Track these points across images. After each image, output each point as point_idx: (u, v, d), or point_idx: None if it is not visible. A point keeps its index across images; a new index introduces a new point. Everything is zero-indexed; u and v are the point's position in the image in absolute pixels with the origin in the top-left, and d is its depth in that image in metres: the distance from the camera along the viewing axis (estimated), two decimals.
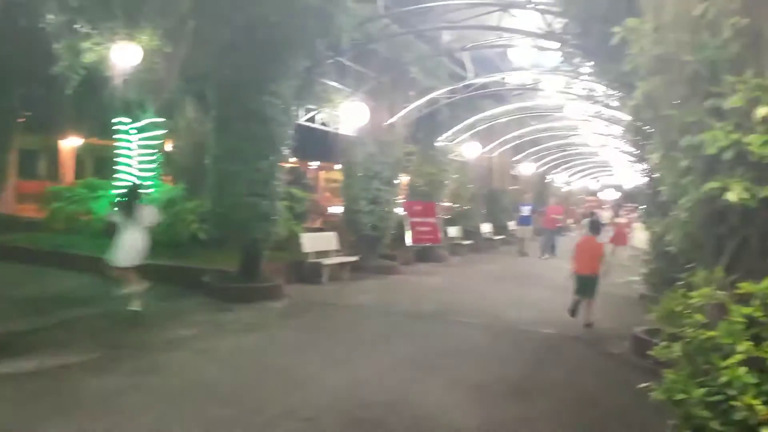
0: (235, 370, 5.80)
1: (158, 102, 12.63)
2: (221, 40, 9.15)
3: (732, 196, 2.93)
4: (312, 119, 13.81)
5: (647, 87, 3.56)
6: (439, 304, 9.82)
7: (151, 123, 12.77)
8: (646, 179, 8.18)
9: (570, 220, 32.20)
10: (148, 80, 12.12)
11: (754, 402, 2.72)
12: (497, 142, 21.69)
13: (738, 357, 2.81)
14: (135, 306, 7.52)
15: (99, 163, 15.22)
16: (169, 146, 14.30)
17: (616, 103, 12.16)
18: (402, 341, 7.33)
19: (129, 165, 12.98)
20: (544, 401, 5.48)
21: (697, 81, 3.30)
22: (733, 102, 3.01)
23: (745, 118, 3.01)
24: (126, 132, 12.89)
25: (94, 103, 12.67)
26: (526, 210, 20.08)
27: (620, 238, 18.22)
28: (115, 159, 13.14)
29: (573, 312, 8.82)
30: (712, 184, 3.05)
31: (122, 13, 9.82)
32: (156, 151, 13.05)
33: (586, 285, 8.75)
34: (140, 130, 12.85)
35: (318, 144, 15.24)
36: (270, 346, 6.81)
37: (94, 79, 11.55)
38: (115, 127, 13.03)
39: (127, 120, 12.80)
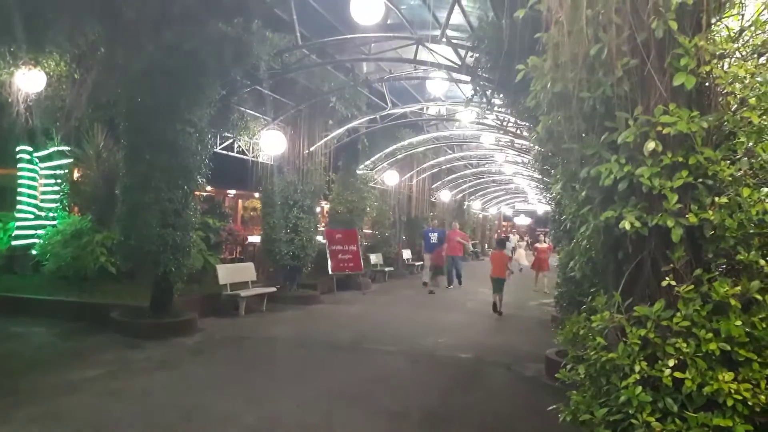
0: (144, 412, 5.50)
1: (65, 129, 12.08)
2: (133, 66, 8.89)
3: (626, 225, 3.11)
4: (230, 147, 13.61)
5: (548, 121, 3.75)
6: (358, 333, 9.77)
7: (57, 151, 12.13)
8: (554, 206, 8.57)
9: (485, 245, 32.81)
10: (54, 107, 11.61)
11: (650, 419, 2.87)
12: (416, 170, 22.19)
13: (635, 377, 2.97)
14: None
15: None
16: (76, 175, 13.63)
17: (526, 133, 12.76)
18: (321, 373, 7.23)
19: (32, 195, 12.23)
20: (462, 427, 5.54)
21: (595, 116, 3.50)
22: (625, 136, 3.22)
23: (636, 151, 3.22)
24: (29, 161, 12.18)
25: None
26: (433, 237, 18.23)
27: (542, 263, 17.48)
28: (17, 189, 12.35)
29: (494, 307, 12.63)
30: (609, 213, 3.23)
31: (25, 37, 9.37)
32: (62, 180, 12.38)
33: (498, 283, 12.67)
34: (45, 158, 12.17)
35: (236, 172, 15.01)
36: (182, 384, 6.51)
37: None
38: (17, 156, 12.28)
39: (31, 148, 12.11)
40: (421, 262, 20.32)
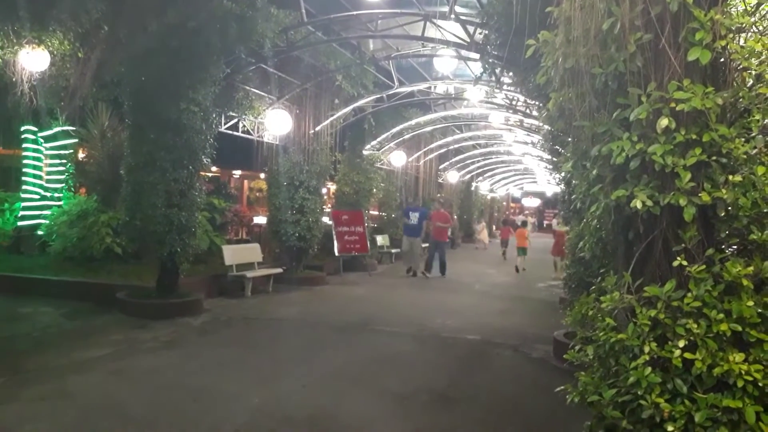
0: (150, 392, 5.52)
1: (69, 109, 12.02)
2: (137, 45, 8.79)
3: (637, 204, 3.05)
4: (235, 127, 13.53)
5: (559, 98, 3.66)
6: (365, 314, 9.77)
7: (62, 131, 12.10)
8: (564, 186, 8.46)
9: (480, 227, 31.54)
10: (58, 86, 11.54)
11: (659, 400, 2.84)
12: (423, 150, 22.06)
13: (644, 358, 2.92)
14: None
15: (4, 174, 14.24)
16: (81, 155, 13.61)
17: (536, 113, 12.60)
18: (327, 354, 7.24)
19: (37, 176, 12.24)
20: (470, 409, 5.54)
21: (607, 93, 3.42)
22: (637, 113, 3.14)
23: (649, 128, 3.14)
24: (34, 141, 12.16)
25: None
26: (414, 217, 15.88)
27: (560, 248, 14.64)
28: (22, 169, 12.37)
29: (517, 269, 17.70)
30: (620, 192, 3.16)
31: (28, 15, 9.28)
32: (67, 160, 12.36)
33: (522, 250, 18.12)
34: (50, 138, 12.15)
35: (241, 152, 14.96)
36: (189, 364, 6.52)
37: None
38: (22, 136, 12.28)
39: (35, 128, 12.09)
40: (426, 245, 17.08)
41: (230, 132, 13.34)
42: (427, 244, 16.92)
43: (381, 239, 18.44)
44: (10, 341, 7.09)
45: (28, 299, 9.21)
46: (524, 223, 21.51)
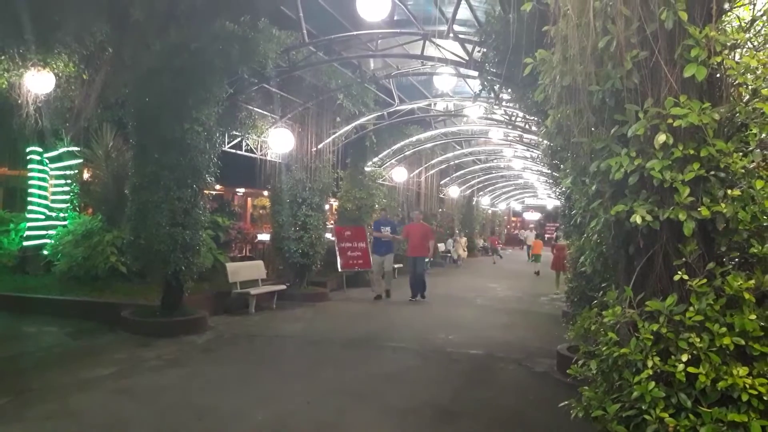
0: (154, 410, 5.51)
1: (75, 130, 12.14)
2: (141, 66, 8.91)
3: (637, 219, 3.08)
4: (238, 146, 13.63)
5: (557, 115, 3.71)
6: (368, 330, 9.76)
7: (67, 152, 12.20)
8: (564, 200, 8.50)
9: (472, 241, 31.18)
10: (63, 107, 11.68)
11: (664, 415, 2.84)
12: (424, 166, 22.16)
13: (647, 372, 2.94)
14: None
15: (9, 194, 14.32)
16: (86, 176, 13.70)
17: (535, 128, 12.69)
18: (331, 370, 7.23)
19: (43, 196, 12.31)
20: (473, 423, 5.52)
21: (604, 110, 3.47)
22: (635, 129, 3.18)
23: (647, 144, 3.19)
24: (39, 162, 12.25)
25: (3, 132, 12.05)
26: (386, 232, 14.18)
27: (561, 262, 14.17)
28: (28, 190, 12.45)
29: (537, 273, 21.25)
30: (619, 207, 3.20)
31: (34, 38, 9.42)
32: (72, 181, 12.44)
33: (537, 257, 22.89)
34: (55, 159, 12.24)
35: (245, 171, 15.02)
36: (193, 382, 6.52)
37: (3, 106, 11.02)
38: (28, 157, 12.37)
39: (41, 149, 12.19)
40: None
41: (233, 151, 13.44)
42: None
43: None
44: (15, 360, 7.10)
45: (32, 318, 9.23)
46: (538, 236, 27.63)
